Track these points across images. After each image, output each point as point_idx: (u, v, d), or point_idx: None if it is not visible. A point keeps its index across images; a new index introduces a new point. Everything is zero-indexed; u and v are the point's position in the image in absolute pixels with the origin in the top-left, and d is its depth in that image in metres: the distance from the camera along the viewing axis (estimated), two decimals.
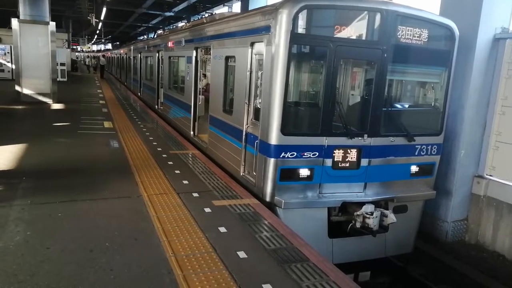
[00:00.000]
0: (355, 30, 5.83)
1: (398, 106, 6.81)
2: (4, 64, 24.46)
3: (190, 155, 8.07)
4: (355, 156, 6.04)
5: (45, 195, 5.37)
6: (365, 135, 6.01)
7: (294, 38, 5.46)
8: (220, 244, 4.26)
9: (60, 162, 7.12)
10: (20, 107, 13.46)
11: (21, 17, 14.10)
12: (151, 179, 6.30)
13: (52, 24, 14.51)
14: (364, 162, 6.08)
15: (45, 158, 7.29)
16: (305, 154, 5.77)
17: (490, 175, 7.67)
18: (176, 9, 28.20)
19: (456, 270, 7.08)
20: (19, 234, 4.23)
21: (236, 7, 23.30)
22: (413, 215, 6.69)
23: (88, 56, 54.27)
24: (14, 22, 13.98)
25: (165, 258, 3.90)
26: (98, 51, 77.19)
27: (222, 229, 4.63)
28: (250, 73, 6.50)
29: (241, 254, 4.05)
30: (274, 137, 5.68)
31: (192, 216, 4.96)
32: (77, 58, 54.82)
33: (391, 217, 5.96)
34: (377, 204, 6.10)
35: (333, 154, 5.91)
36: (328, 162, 5.90)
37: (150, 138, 9.47)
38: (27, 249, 3.93)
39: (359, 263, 6.33)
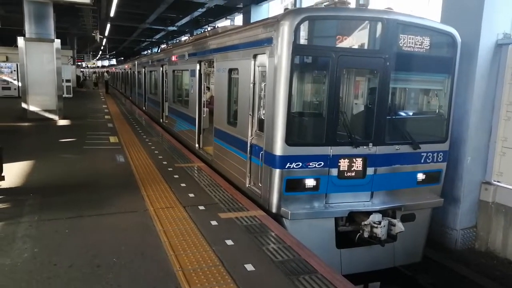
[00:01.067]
0: (356, 39, 5.86)
1: (402, 114, 6.79)
2: (11, 82, 24.77)
3: (195, 168, 8.08)
4: (361, 165, 6.01)
5: (52, 211, 5.39)
6: (370, 144, 5.99)
7: (296, 49, 5.50)
8: (227, 257, 4.24)
9: (67, 178, 7.16)
10: (26, 124, 13.58)
11: (27, 35, 14.32)
12: (157, 193, 6.31)
13: (57, 42, 14.72)
14: (370, 171, 6.06)
15: (52, 174, 7.33)
16: (311, 164, 5.76)
17: (498, 181, 7.60)
18: (179, 23, 28.48)
19: (466, 278, 6.97)
20: (27, 251, 4.24)
21: (238, 20, 23.53)
22: (421, 224, 6.63)
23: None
24: (20, 40, 14.20)
25: (173, 272, 3.89)
26: (103, 66, 77.97)
27: (229, 242, 4.61)
28: (254, 85, 6.53)
29: (249, 267, 4.03)
30: (279, 148, 5.68)
31: (199, 229, 4.95)
32: (83, 74, 54.44)
33: (399, 226, 5.90)
34: (384, 213, 6.06)
35: (339, 164, 5.89)
36: (334, 171, 5.88)
37: (156, 151, 9.50)
38: (35, 266, 3.93)
39: (368, 273, 6.26)
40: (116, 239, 4.60)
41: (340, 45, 5.72)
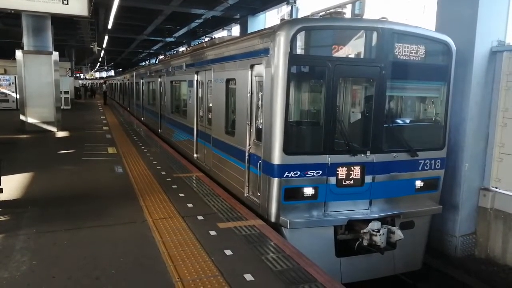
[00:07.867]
0: (352, 49, 5.91)
1: (399, 121, 6.83)
2: (9, 94, 24.83)
3: (194, 178, 8.08)
4: (359, 173, 6.03)
5: (50, 223, 5.37)
6: (368, 152, 6.02)
7: (293, 59, 5.54)
8: (226, 267, 4.23)
9: (65, 189, 7.15)
10: (25, 136, 13.58)
11: (25, 48, 14.40)
12: (155, 204, 6.30)
13: (55, 54, 14.80)
14: (368, 179, 6.07)
15: (50, 186, 7.31)
16: (309, 172, 5.77)
17: (496, 187, 7.61)
18: (176, 34, 28.61)
19: (467, 285, 6.95)
20: (25, 264, 4.22)
21: (235, 31, 23.68)
22: (421, 231, 6.63)
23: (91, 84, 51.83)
24: (18, 53, 14.27)
25: (172, 283, 3.87)
26: (101, 77, 78.19)
27: (228, 252, 4.60)
28: (251, 95, 6.57)
29: (248, 277, 4.02)
30: (277, 157, 5.70)
31: (198, 240, 4.94)
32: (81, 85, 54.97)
33: (398, 234, 5.90)
34: (383, 220, 6.05)
35: (337, 172, 5.91)
36: (332, 180, 5.89)
37: (154, 162, 9.50)
38: (33, 279, 3.91)
39: (368, 281, 6.24)
40: (115, 251, 4.58)
41: (336, 54, 5.77)
